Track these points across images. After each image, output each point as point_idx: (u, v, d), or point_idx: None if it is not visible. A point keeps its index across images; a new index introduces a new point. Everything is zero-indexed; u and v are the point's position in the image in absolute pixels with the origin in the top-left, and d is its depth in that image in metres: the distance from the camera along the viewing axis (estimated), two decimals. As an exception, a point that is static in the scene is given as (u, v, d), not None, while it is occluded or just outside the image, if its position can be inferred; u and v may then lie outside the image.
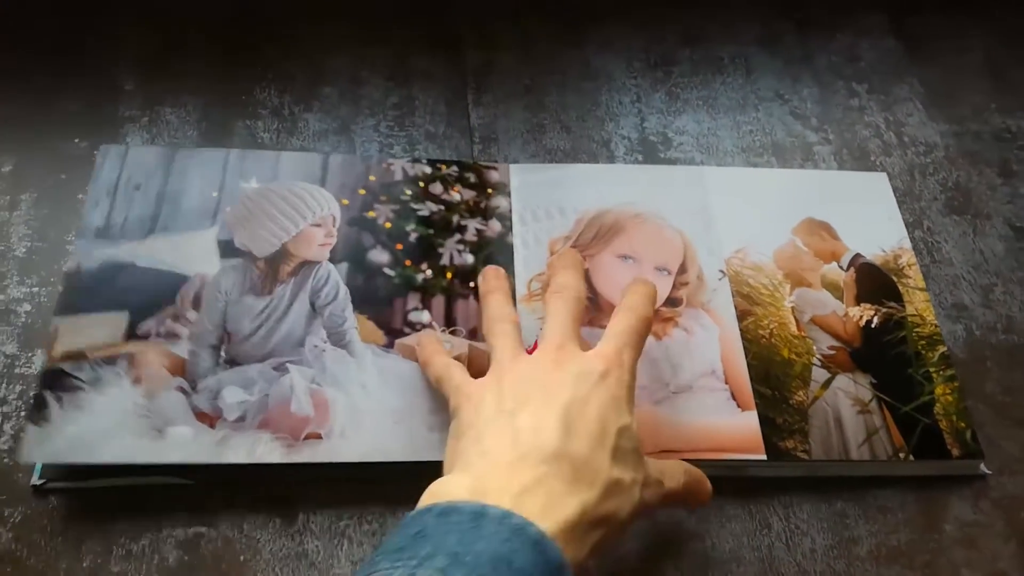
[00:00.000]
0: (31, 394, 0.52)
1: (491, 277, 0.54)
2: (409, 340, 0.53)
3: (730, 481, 0.52)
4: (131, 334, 0.52)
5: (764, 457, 0.51)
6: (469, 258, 0.58)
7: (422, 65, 0.70)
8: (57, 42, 0.69)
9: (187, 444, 0.48)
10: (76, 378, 0.50)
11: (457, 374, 0.48)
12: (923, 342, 0.57)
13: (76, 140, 0.64)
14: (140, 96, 0.66)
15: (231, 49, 0.69)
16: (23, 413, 0.52)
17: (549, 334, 0.47)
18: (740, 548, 0.51)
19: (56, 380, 0.50)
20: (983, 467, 0.53)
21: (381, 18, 0.73)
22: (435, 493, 0.39)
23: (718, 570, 0.50)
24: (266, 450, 0.49)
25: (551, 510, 0.38)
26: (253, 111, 0.66)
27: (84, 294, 0.53)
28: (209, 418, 0.50)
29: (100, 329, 0.52)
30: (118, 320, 0.52)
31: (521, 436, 0.41)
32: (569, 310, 0.48)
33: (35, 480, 0.49)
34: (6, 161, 0.63)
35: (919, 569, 0.50)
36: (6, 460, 0.51)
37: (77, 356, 0.51)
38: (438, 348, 0.52)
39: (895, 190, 0.65)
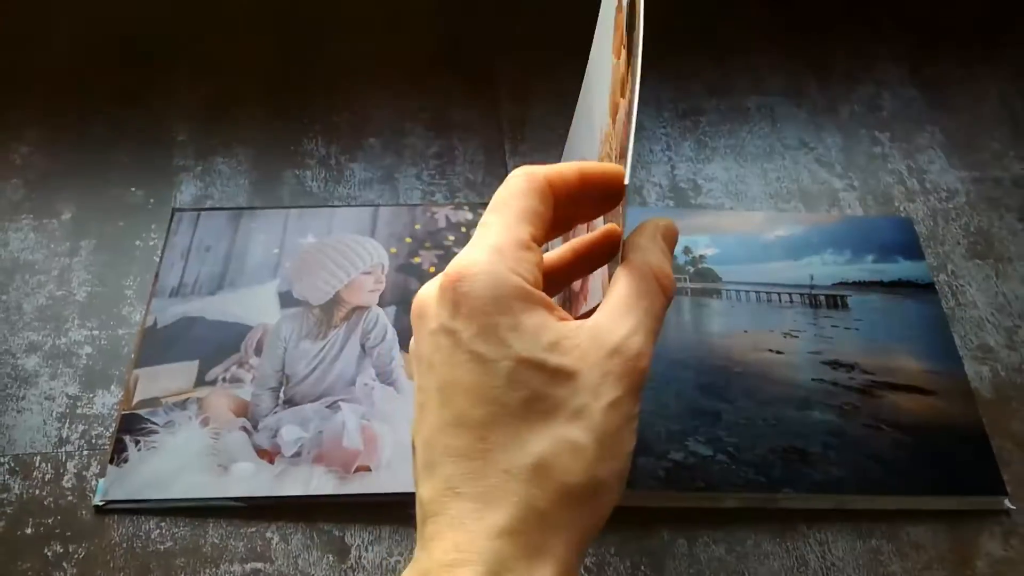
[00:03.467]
0: (93, 434, 0.55)
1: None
2: None
3: (763, 515, 0.54)
4: (201, 381, 0.57)
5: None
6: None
7: (460, 117, 0.73)
8: (114, 95, 0.72)
9: (249, 478, 0.52)
10: (151, 422, 0.55)
11: None
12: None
13: (132, 189, 0.67)
14: (193, 146, 0.70)
15: (280, 102, 0.73)
16: (85, 452, 0.55)
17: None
18: (778, 585, 0.52)
19: (134, 424, 0.55)
20: (1007, 503, 0.55)
21: (421, 73, 0.76)
22: None
23: (757, 606, 0.51)
24: (320, 483, 0.52)
25: None
26: (301, 161, 0.69)
27: (160, 347, 0.58)
28: (269, 454, 0.53)
29: (174, 377, 0.57)
30: (190, 369, 0.57)
31: None
32: None
33: (97, 500, 0.52)
34: (66, 209, 0.66)
35: (953, 606, 0.52)
36: (70, 497, 0.53)
37: (153, 402, 0.56)
38: None
39: (919, 235, 0.67)
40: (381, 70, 0.76)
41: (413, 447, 0.32)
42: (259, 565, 0.51)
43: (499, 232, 0.32)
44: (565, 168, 0.34)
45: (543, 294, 0.31)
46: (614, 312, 0.31)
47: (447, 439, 0.29)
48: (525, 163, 0.69)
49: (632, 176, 0.32)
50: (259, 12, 0.79)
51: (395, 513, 0.53)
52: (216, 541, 0.52)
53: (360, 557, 0.52)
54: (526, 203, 0.32)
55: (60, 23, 0.77)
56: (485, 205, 0.64)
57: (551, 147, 0.72)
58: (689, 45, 0.79)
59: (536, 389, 0.29)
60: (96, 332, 0.60)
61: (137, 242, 0.64)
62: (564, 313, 0.32)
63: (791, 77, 0.78)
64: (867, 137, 0.74)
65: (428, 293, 0.32)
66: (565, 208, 0.34)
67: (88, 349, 0.59)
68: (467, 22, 0.80)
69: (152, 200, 0.67)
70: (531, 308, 0.30)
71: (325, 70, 0.75)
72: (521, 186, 0.33)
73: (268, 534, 0.52)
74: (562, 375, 0.29)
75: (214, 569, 0.51)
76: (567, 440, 0.28)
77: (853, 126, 0.75)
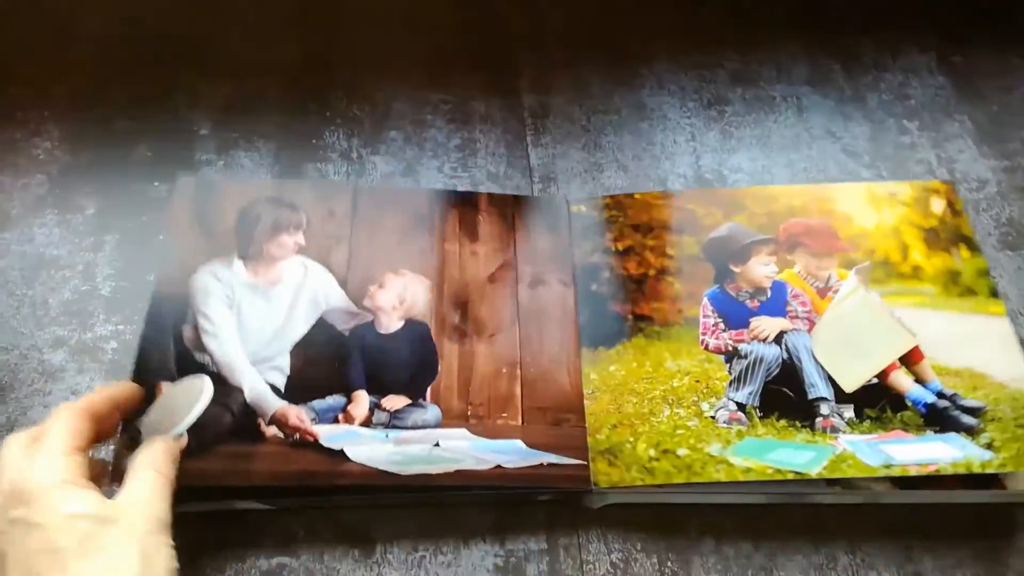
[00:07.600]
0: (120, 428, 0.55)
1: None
2: None
3: (795, 510, 0.53)
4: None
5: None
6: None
7: (482, 109, 0.73)
8: (136, 91, 0.72)
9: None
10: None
11: None
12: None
13: (155, 183, 0.67)
14: (215, 140, 0.69)
15: (301, 96, 0.72)
16: (112, 447, 0.55)
17: None
18: (807, 581, 0.51)
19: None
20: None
21: (441, 65, 0.75)
22: None
23: (786, 602, 0.51)
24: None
25: None
26: (323, 154, 0.69)
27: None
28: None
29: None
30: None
31: None
32: None
33: None
34: (89, 204, 0.66)
35: (986, 603, 0.51)
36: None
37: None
38: None
39: (949, 226, 0.66)
40: (402, 63, 0.75)
41: None
42: (285, 560, 0.51)
43: (50, 449, 0.43)
44: (97, 398, 0.48)
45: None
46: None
47: None
48: (547, 155, 0.70)
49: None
50: (279, 8, 0.78)
51: (425, 519, 0.53)
52: (242, 535, 0.52)
53: (385, 552, 0.52)
54: (73, 424, 0.45)
55: (83, 22, 0.77)
56: (507, 197, 0.64)
57: (573, 138, 0.71)
58: (713, 34, 0.78)
59: None
60: (121, 327, 0.60)
61: (160, 236, 0.64)
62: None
63: (817, 66, 0.77)
64: (895, 126, 0.73)
65: None
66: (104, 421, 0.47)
67: (114, 344, 0.59)
68: (487, 14, 0.79)
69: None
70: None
71: (345, 64, 0.75)
72: (66, 416, 0.45)
73: (294, 529, 0.52)
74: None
75: (239, 564, 0.51)
76: None
77: (881, 115, 0.74)
